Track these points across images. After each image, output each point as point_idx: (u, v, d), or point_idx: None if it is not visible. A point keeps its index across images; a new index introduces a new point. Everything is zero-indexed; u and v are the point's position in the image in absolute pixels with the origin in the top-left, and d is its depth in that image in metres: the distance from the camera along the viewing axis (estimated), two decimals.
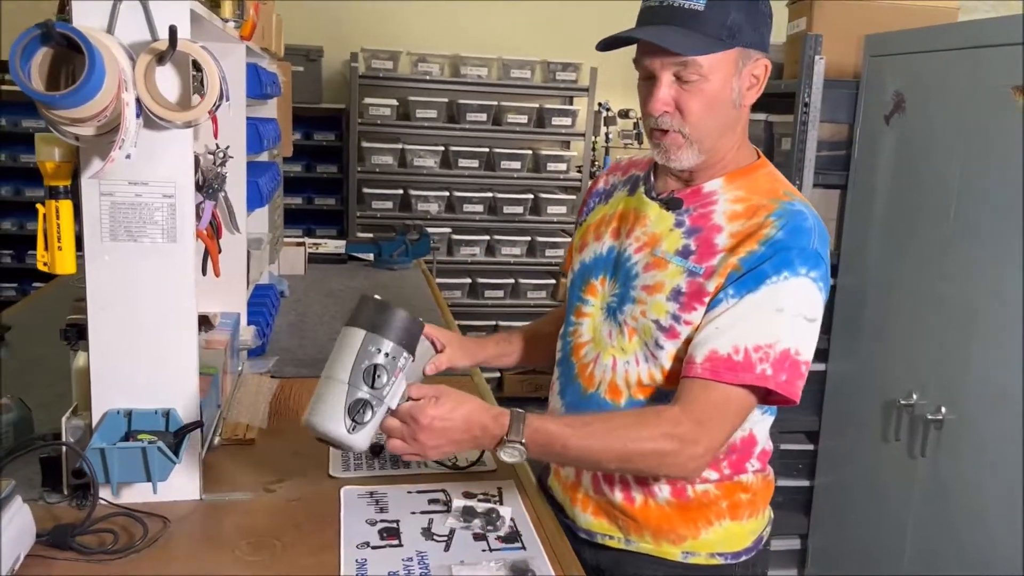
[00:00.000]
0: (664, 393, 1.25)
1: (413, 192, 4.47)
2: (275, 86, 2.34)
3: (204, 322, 1.70)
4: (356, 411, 1.12)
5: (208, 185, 1.73)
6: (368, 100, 4.34)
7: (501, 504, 1.37)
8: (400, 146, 4.43)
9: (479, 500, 1.37)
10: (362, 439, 1.14)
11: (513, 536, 1.28)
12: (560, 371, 1.42)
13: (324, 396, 1.15)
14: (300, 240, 3.13)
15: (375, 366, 1.14)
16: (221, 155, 1.84)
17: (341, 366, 1.15)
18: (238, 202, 1.94)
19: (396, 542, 1.23)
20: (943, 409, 2.12)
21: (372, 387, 1.13)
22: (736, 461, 1.30)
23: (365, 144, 4.38)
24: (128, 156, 1.18)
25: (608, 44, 1.22)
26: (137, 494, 1.29)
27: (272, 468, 1.48)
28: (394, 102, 4.38)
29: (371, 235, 3.63)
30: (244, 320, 2.02)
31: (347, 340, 1.19)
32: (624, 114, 4.77)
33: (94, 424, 1.28)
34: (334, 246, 3.34)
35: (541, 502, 1.40)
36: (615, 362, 1.30)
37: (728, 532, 1.32)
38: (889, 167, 2.40)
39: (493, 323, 4.59)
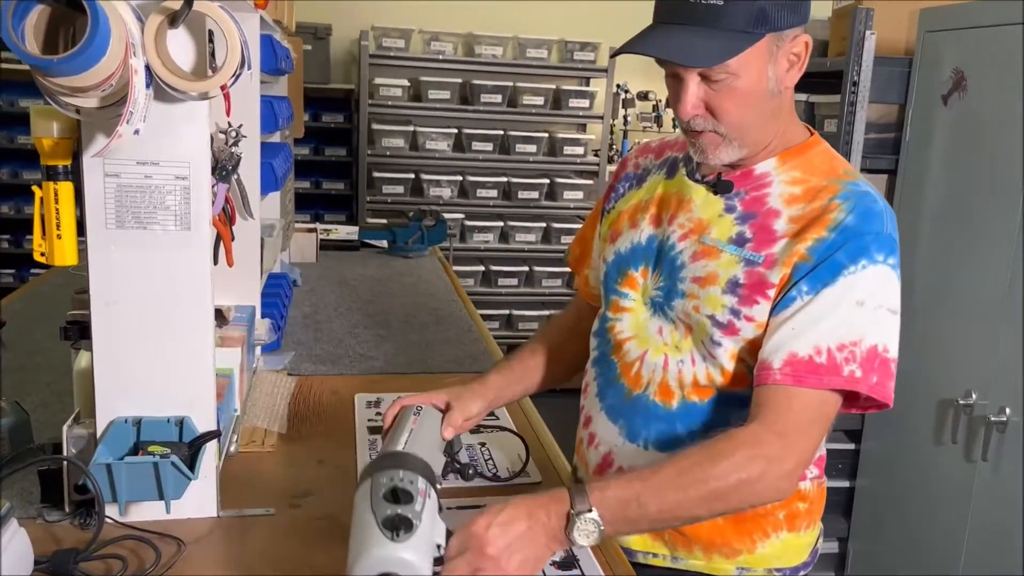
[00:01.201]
0: (724, 395, 1.14)
1: (425, 176, 4.33)
2: (289, 61, 2.19)
3: (218, 316, 1.56)
4: (391, 525, 0.90)
5: (221, 167, 1.59)
6: (378, 80, 4.19)
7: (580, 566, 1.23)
8: (411, 128, 4.28)
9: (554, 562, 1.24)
10: (413, 552, 0.89)
11: (569, 562, 1.14)
12: (597, 371, 1.28)
13: (355, 535, 0.92)
14: (312, 227, 2.98)
15: (394, 488, 0.94)
16: (234, 134, 1.70)
17: (362, 509, 0.94)
18: (251, 185, 1.79)
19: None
20: (1007, 410, 1.99)
21: (399, 502, 0.93)
22: None
23: (375, 126, 4.23)
24: (137, 132, 1.03)
25: (625, 50, 1.09)
26: (148, 511, 1.15)
27: (296, 479, 1.34)
28: (405, 82, 4.23)
29: (384, 221, 3.49)
30: (258, 312, 1.87)
31: (359, 494, 0.97)
32: (643, 96, 4.63)
33: (99, 434, 1.14)
34: (346, 232, 3.20)
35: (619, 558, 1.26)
36: (667, 361, 1.18)
37: (786, 545, 1.20)
38: (945, 150, 2.25)
39: (507, 312, 4.45)
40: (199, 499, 1.20)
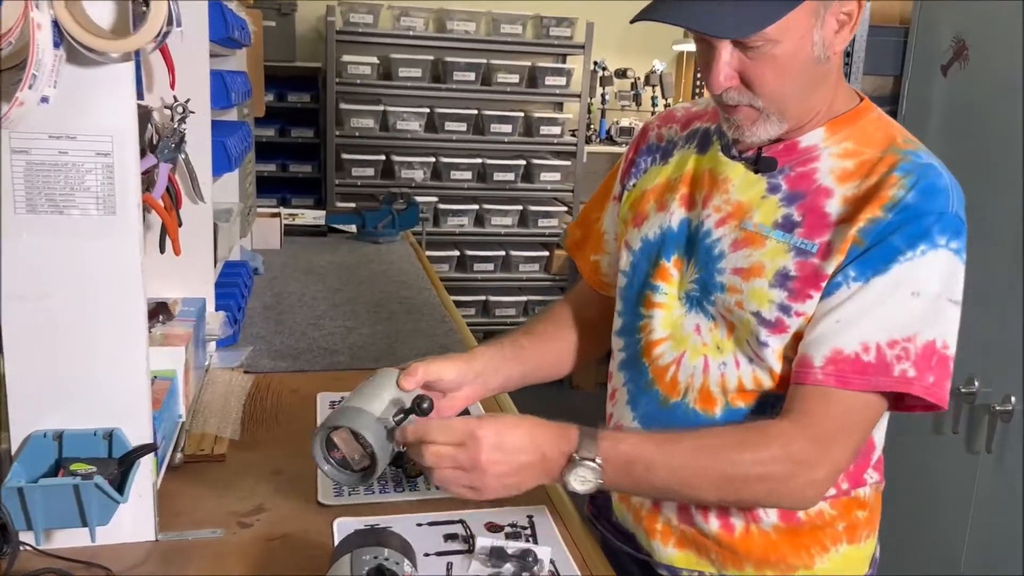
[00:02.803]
0: (773, 400, 1.01)
1: (396, 158, 4.16)
2: (244, 32, 2.03)
3: (161, 311, 1.41)
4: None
5: (164, 145, 1.43)
6: (346, 58, 4.01)
7: (535, 539, 1.10)
8: (381, 108, 4.11)
9: (507, 535, 1.11)
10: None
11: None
12: (627, 376, 1.15)
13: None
14: (275, 211, 2.82)
15: (380, 567, 0.90)
16: (180, 109, 1.54)
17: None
18: (202, 166, 1.63)
19: None
20: (1012, 399, 1.88)
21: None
22: (854, 472, 1.06)
23: (343, 106, 4.06)
24: (45, 100, 0.88)
25: (645, 16, 0.95)
26: (76, 536, 1.01)
27: (248, 493, 1.20)
28: (374, 60, 4.05)
29: (353, 205, 3.32)
30: (211, 305, 1.72)
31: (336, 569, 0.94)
32: (621, 74, 4.49)
33: (13, 451, 0.99)
34: (313, 217, 3.04)
35: (585, 536, 1.14)
36: (707, 363, 1.04)
37: (846, 559, 1.08)
38: (945, 124, 2.13)
39: (482, 298, 4.31)
40: (134, 521, 1.05)
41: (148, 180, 1.40)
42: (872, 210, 0.95)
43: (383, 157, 4.15)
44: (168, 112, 1.53)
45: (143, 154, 1.41)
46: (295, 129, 4.16)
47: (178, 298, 1.46)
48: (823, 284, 0.96)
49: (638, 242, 1.13)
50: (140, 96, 1.48)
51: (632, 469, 0.93)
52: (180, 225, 1.54)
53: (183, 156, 1.57)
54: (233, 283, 1.98)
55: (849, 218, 0.96)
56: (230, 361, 1.71)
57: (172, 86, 1.51)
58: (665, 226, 1.10)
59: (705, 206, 1.06)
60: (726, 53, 0.94)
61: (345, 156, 4.10)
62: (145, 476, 1.05)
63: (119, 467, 0.99)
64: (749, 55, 0.93)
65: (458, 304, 4.25)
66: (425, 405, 0.95)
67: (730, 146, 1.07)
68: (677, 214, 1.09)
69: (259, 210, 2.83)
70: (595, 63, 4.38)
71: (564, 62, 4.42)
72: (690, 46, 4.38)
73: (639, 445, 0.94)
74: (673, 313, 1.08)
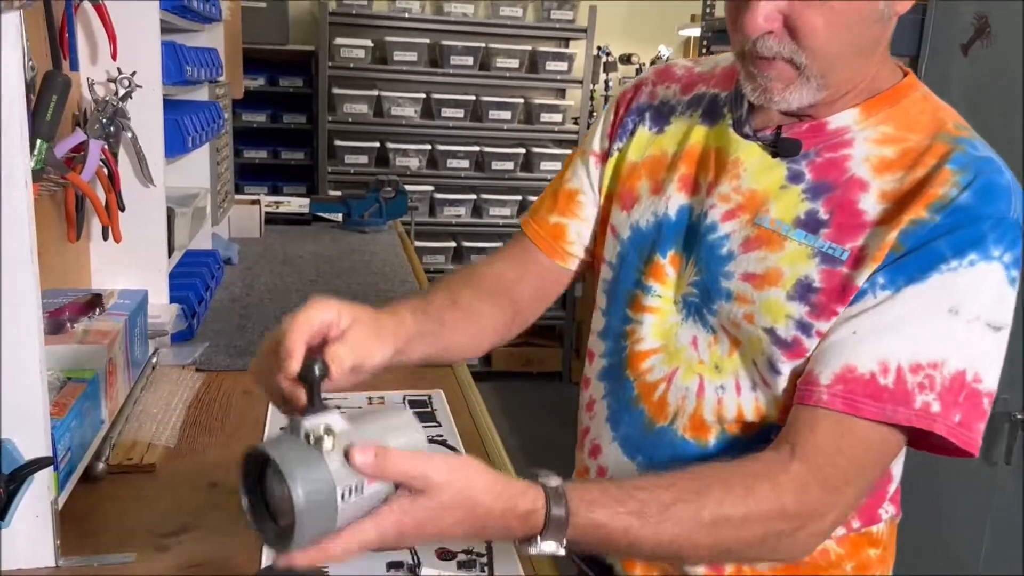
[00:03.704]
0: (777, 432, 0.84)
1: (391, 145, 4.03)
2: (211, 5, 1.89)
3: (94, 304, 1.27)
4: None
5: (95, 120, 1.30)
6: (340, 41, 3.88)
7: (491, 568, 0.97)
8: (376, 93, 3.97)
9: (460, 564, 0.97)
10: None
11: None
12: (607, 388, 0.99)
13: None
14: (254, 198, 2.69)
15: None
16: (126, 83, 1.41)
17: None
18: (152, 146, 1.50)
19: None
20: None
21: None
22: (868, 509, 0.91)
23: (337, 91, 3.92)
24: None
25: None
26: None
27: (174, 509, 1.07)
28: (369, 43, 3.91)
29: (339, 193, 3.19)
30: (164, 297, 1.59)
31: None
32: (626, 59, 4.33)
33: None
34: (297, 205, 2.91)
35: (552, 568, 1.00)
36: (702, 385, 0.89)
37: None
38: (966, 107, 1.96)
39: None
40: (31, 545, 0.92)
41: (78, 157, 1.27)
42: (917, 210, 0.79)
43: (377, 144, 4.02)
44: (112, 85, 1.41)
45: (71, 130, 1.29)
46: (287, 114, 4.04)
47: (114, 290, 1.33)
48: (852, 298, 0.80)
49: (627, 229, 0.96)
50: (75, 66, 1.35)
51: (612, 542, 0.75)
52: (122, 209, 1.41)
53: (129, 135, 1.44)
54: (195, 274, 1.85)
55: (888, 219, 0.80)
56: (183, 358, 1.58)
57: (114, 56, 1.38)
58: (661, 213, 0.93)
59: (710, 193, 0.89)
60: None
61: (338, 143, 3.96)
62: (42, 494, 0.91)
63: (7, 486, 0.86)
64: None
65: None
66: (318, 370, 0.69)
67: (744, 120, 0.90)
68: (676, 199, 0.92)
69: (240, 197, 2.70)
70: (598, 48, 4.23)
71: (566, 47, 4.27)
72: (697, 32, 4.22)
73: (623, 521, 0.73)
74: (667, 320, 0.92)
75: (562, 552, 0.73)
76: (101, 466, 1.12)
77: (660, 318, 0.92)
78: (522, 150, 4.16)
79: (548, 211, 1.06)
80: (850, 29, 0.78)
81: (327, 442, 0.65)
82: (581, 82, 4.16)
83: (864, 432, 0.78)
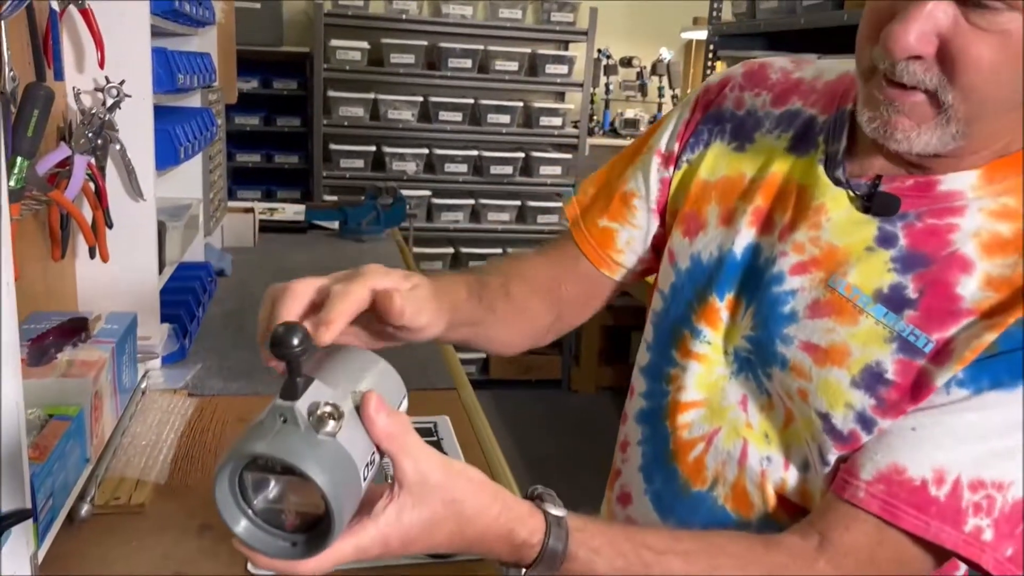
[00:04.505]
0: None
1: (387, 149, 3.95)
2: (204, 8, 1.81)
3: (79, 329, 1.19)
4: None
5: (79, 133, 1.22)
6: (335, 43, 3.79)
7: None
8: (372, 96, 3.89)
9: None
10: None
11: None
12: (644, 433, 0.90)
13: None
14: (248, 206, 2.61)
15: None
16: (114, 92, 1.33)
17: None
18: (142, 158, 1.43)
19: None
20: None
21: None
22: None
23: (332, 93, 3.84)
24: None
25: None
26: None
27: (162, 556, 1.00)
28: (365, 45, 3.83)
29: (335, 199, 3.11)
30: (155, 316, 1.51)
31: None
32: (627, 62, 4.27)
33: None
34: (292, 212, 2.83)
35: None
36: (746, 451, 0.80)
37: None
38: None
39: None
40: None
41: (63, 173, 1.20)
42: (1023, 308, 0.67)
43: (374, 148, 3.94)
44: (99, 95, 1.33)
45: (55, 144, 1.22)
46: (281, 118, 3.96)
47: (101, 314, 1.25)
48: (930, 398, 0.69)
49: (687, 259, 0.85)
50: (60, 76, 1.27)
51: None
52: (109, 227, 1.33)
53: (118, 147, 1.37)
54: (187, 288, 1.77)
55: (990, 312, 0.68)
56: (174, 381, 1.50)
57: (101, 64, 1.31)
58: (727, 248, 0.82)
59: (784, 237, 0.78)
60: (936, 6, 0.63)
61: (333, 147, 3.88)
62: (19, 549, 0.84)
63: None
64: (972, 17, 0.63)
65: None
66: (296, 343, 0.57)
67: (838, 160, 0.77)
68: (745, 235, 0.81)
69: (232, 204, 2.62)
70: (599, 51, 4.17)
71: (566, 49, 4.19)
72: (700, 35, 4.16)
73: (614, 572, 0.66)
74: (713, 372, 0.82)
75: None
76: (86, 508, 1.04)
77: (706, 368, 0.83)
78: (521, 154, 4.08)
79: (600, 212, 0.95)
80: (1019, 71, 0.64)
81: (330, 425, 0.58)
82: (581, 85, 4.09)
83: (902, 546, 0.68)
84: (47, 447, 0.91)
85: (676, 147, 0.91)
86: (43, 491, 0.88)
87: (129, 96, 1.34)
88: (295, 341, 0.57)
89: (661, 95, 4.36)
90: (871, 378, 0.71)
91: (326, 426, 0.57)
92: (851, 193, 0.76)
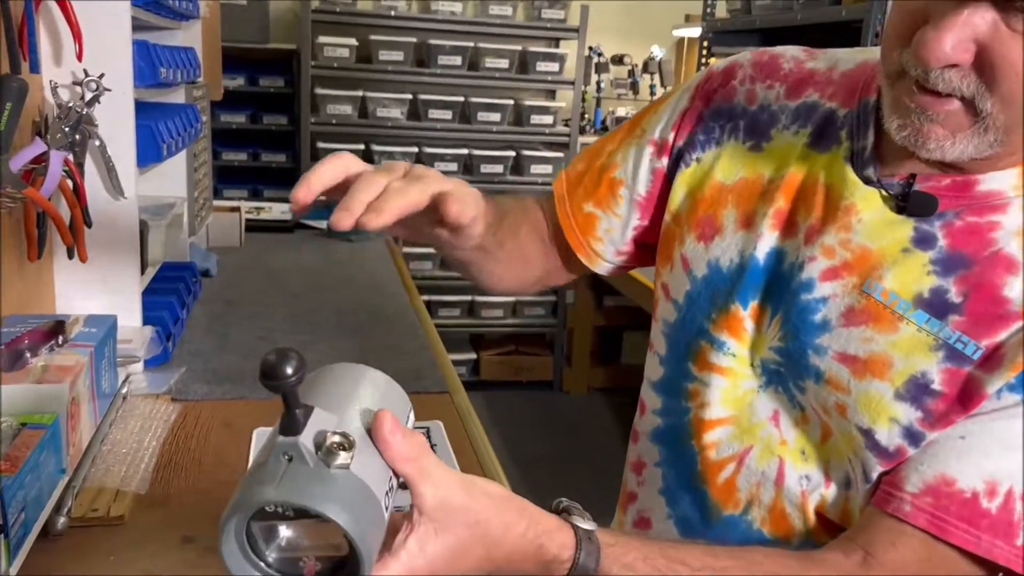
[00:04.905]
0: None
1: (376, 147, 3.89)
2: (187, 0, 1.76)
3: (56, 332, 1.14)
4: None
5: (57, 128, 1.17)
6: (323, 39, 3.74)
7: None
8: (360, 94, 3.84)
9: None
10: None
11: None
12: (663, 454, 0.85)
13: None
14: (234, 205, 2.56)
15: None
16: (93, 86, 1.28)
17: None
18: (123, 154, 1.38)
19: None
20: None
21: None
22: None
23: (320, 91, 3.79)
24: None
25: None
26: None
27: (141, 571, 0.94)
28: (353, 42, 3.78)
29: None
30: (137, 318, 1.46)
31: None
32: (618, 60, 4.23)
33: None
34: (280, 211, 2.78)
35: None
36: (782, 469, 0.75)
37: None
38: None
39: (468, 298, 4.06)
40: None
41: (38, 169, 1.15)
42: None
43: (362, 146, 3.89)
44: (78, 88, 1.28)
45: (30, 139, 1.17)
46: (267, 115, 3.90)
47: (79, 316, 1.20)
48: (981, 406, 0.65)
49: (703, 266, 0.81)
50: (36, 68, 1.22)
51: None
52: (88, 226, 1.28)
53: (97, 143, 1.32)
54: (171, 290, 1.72)
55: None
56: (157, 385, 1.45)
57: (79, 57, 1.26)
58: (749, 253, 0.77)
59: (811, 241, 0.73)
60: (974, 13, 0.58)
61: (321, 145, 3.83)
62: None
63: None
64: (1012, 23, 0.58)
65: (442, 305, 4.03)
66: (290, 373, 0.51)
67: (867, 158, 0.72)
68: (767, 239, 0.76)
69: (218, 203, 2.57)
70: (590, 48, 4.12)
71: (557, 47, 4.16)
72: (692, 32, 4.13)
73: (653, 563, 0.63)
74: (740, 386, 0.77)
75: None
76: (62, 520, 0.99)
77: (732, 382, 0.78)
78: (512, 153, 4.04)
79: (586, 194, 0.91)
80: None
81: (342, 456, 0.52)
82: (572, 83, 4.04)
83: (952, 563, 0.65)
84: (19, 458, 0.86)
85: (671, 137, 0.87)
86: (15, 505, 0.83)
87: (109, 90, 1.29)
88: (289, 371, 0.50)
89: (653, 93, 4.33)
90: (917, 390, 0.67)
91: (337, 458, 0.52)
92: (884, 192, 0.72)
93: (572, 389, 4.17)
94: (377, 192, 0.65)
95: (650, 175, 0.88)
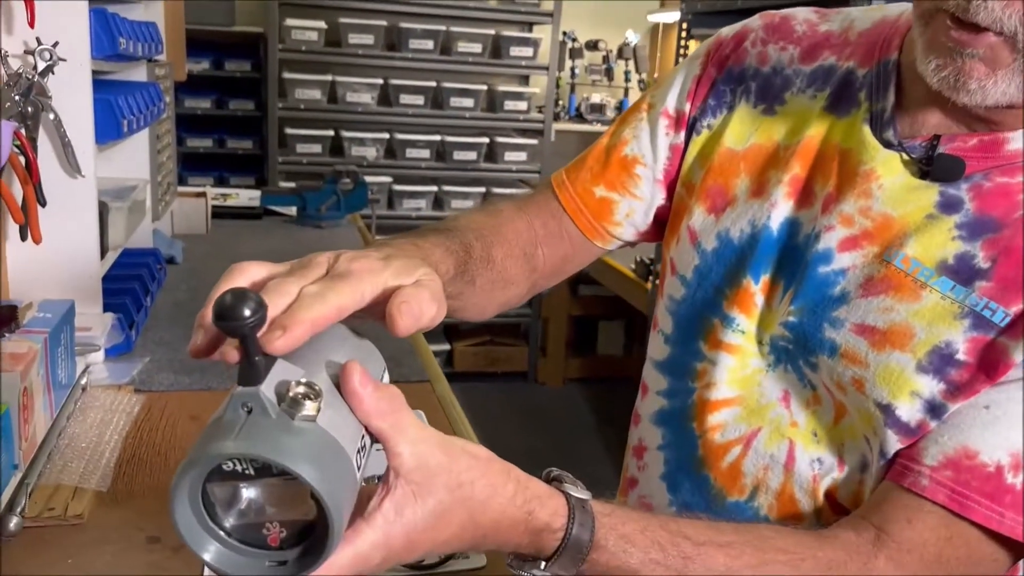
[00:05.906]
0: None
1: (346, 134, 3.81)
2: None
3: (8, 319, 1.06)
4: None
5: (7, 98, 1.09)
6: (290, 22, 3.64)
7: None
8: (330, 78, 3.75)
9: None
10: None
11: None
12: (666, 438, 0.80)
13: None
14: (200, 191, 2.47)
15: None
16: (47, 55, 1.20)
17: None
18: (80, 130, 1.29)
19: None
20: None
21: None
22: None
23: (287, 75, 3.69)
24: None
25: None
26: None
27: (103, 574, 0.87)
28: (322, 25, 3.69)
29: (293, 184, 2.98)
30: (97, 305, 1.38)
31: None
32: (592, 45, 4.18)
33: None
34: (247, 198, 2.69)
35: None
36: (792, 454, 0.70)
37: None
38: None
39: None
40: None
41: None
42: None
43: (331, 132, 3.80)
44: (30, 58, 1.20)
45: None
46: (234, 100, 3.80)
47: (33, 302, 1.12)
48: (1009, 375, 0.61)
49: (713, 239, 0.76)
50: None
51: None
52: (42, 204, 1.20)
53: (52, 116, 1.23)
54: (133, 276, 1.64)
55: None
56: (119, 376, 1.36)
57: (31, 24, 1.17)
58: (761, 224, 0.73)
59: (828, 209, 0.69)
60: None
61: (289, 131, 3.73)
62: None
63: None
64: None
65: None
66: (248, 314, 0.44)
67: (888, 119, 0.68)
68: (782, 208, 0.72)
69: (184, 190, 2.48)
70: (564, 33, 4.06)
71: (531, 31, 4.09)
72: (667, 17, 4.08)
73: (649, 565, 0.57)
74: (748, 365, 0.73)
75: None
76: (15, 521, 0.91)
77: (740, 360, 0.73)
78: (485, 139, 3.97)
79: (594, 179, 0.84)
80: None
81: (308, 406, 0.46)
82: (546, 68, 3.98)
83: (973, 542, 0.60)
84: None
85: (688, 108, 0.81)
86: None
87: (64, 60, 1.21)
88: (247, 312, 0.44)
89: (628, 79, 4.28)
90: (940, 361, 0.63)
91: (302, 409, 0.46)
92: (905, 156, 0.67)
93: (547, 380, 4.12)
94: (286, 303, 0.50)
95: (668, 152, 0.83)
